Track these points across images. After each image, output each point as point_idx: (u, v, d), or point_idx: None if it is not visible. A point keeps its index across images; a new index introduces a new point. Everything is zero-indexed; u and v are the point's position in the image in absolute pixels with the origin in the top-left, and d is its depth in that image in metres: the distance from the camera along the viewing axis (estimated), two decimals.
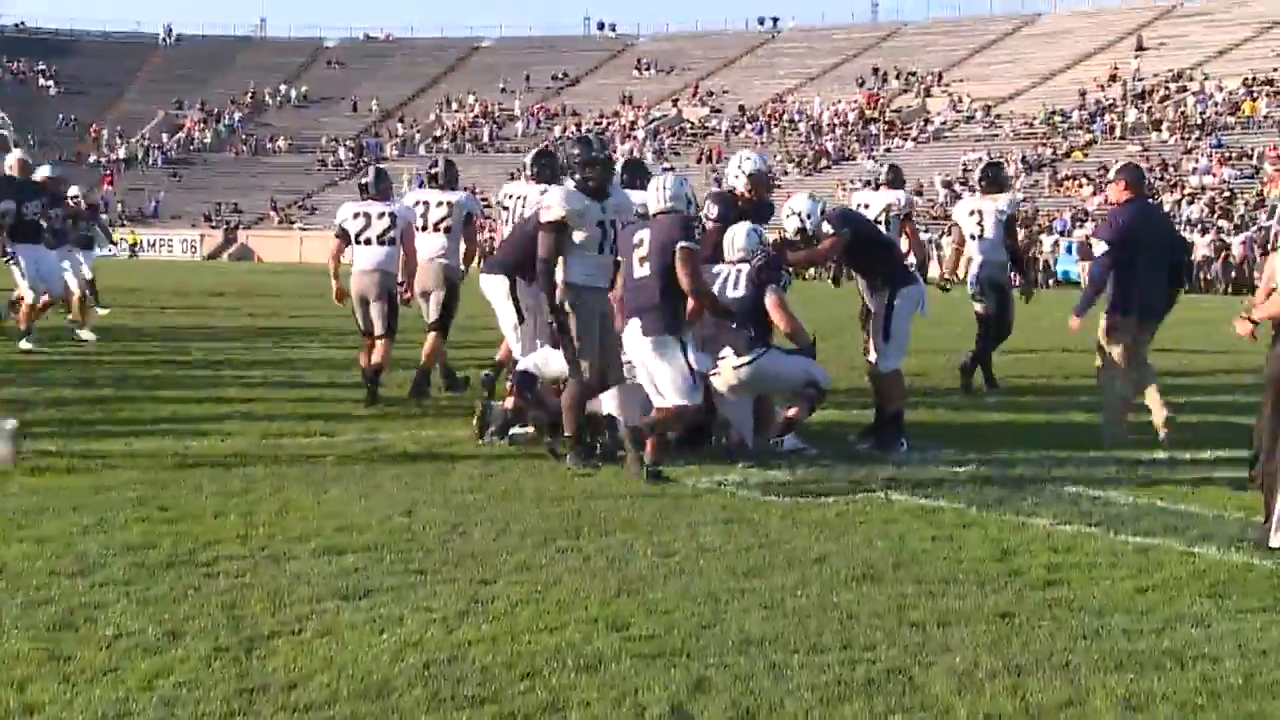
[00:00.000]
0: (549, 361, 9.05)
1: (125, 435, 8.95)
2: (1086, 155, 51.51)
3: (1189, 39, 61.86)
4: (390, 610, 5.10)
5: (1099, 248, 9.52)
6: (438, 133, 73.52)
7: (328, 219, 58.95)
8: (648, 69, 77.82)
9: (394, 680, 4.36)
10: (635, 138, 65.90)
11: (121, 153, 74.94)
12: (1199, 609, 5.30)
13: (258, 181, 71.25)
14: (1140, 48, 61.98)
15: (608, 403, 8.58)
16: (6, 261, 14.59)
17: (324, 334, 17.57)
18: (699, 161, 60.11)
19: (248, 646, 4.65)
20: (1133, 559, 6.06)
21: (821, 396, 8.80)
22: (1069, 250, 40.18)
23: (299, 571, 5.62)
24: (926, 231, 35.61)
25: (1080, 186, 48.18)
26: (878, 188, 13.19)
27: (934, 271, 17.10)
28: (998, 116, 60.04)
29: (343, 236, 10.85)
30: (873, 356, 9.24)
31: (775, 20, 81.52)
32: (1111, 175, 9.95)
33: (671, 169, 44.72)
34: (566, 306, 8.11)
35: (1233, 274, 37.25)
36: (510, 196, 10.96)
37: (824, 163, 59.51)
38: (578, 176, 8.28)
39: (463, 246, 11.31)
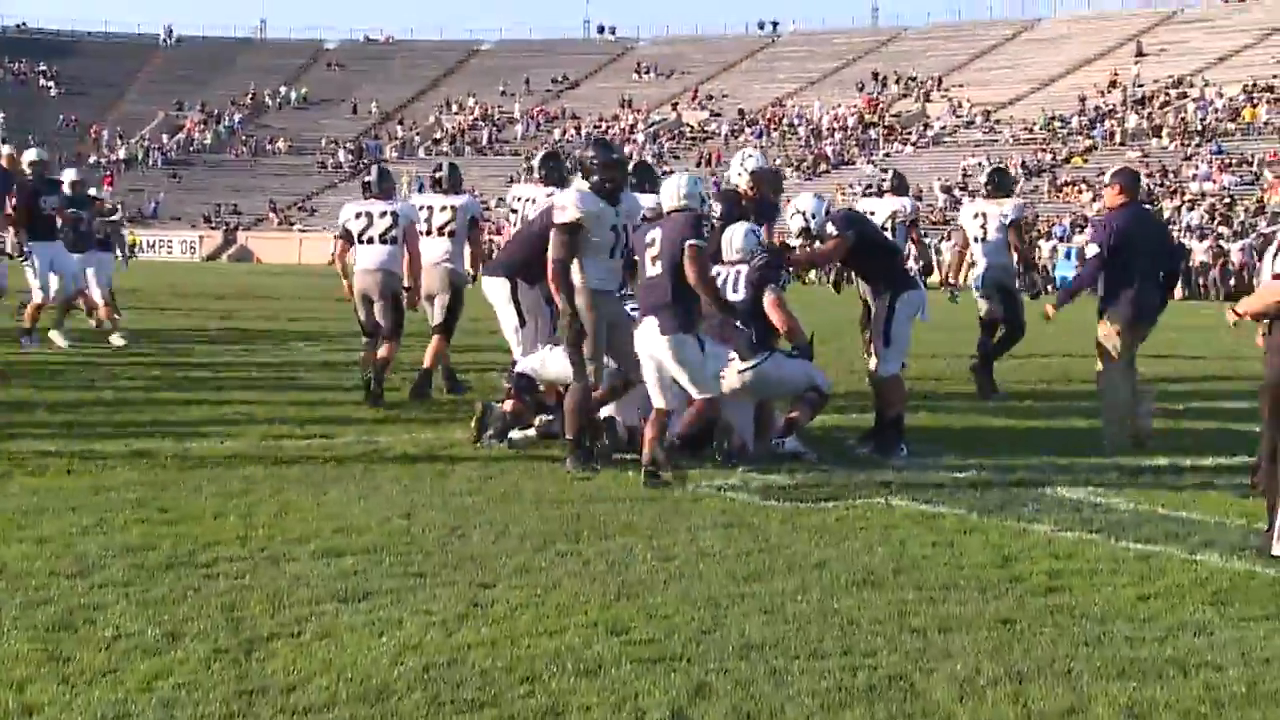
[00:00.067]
0: (546, 364, 9.05)
1: (125, 436, 8.93)
2: (1086, 161, 51.55)
3: (1189, 45, 61.94)
4: (389, 613, 5.08)
5: (1091, 249, 9.55)
6: (437, 135, 73.55)
7: (327, 221, 59.00)
8: (647, 72, 77.86)
9: (393, 683, 4.35)
10: (635, 141, 65.90)
11: (121, 153, 74.95)
12: (1201, 617, 5.28)
13: (257, 183, 71.29)
14: (1140, 54, 62.05)
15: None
16: (23, 260, 14.46)
17: (323, 336, 17.56)
18: (698, 165, 60.09)
19: (247, 648, 4.64)
20: (1134, 566, 6.05)
21: (824, 400, 8.86)
22: (1068, 256, 40.15)
23: (298, 573, 5.61)
24: (926, 237, 35.59)
25: (1080, 192, 48.20)
26: (881, 194, 13.19)
27: (935, 277, 17.09)
28: (997, 122, 60.10)
29: (346, 237, 10.84)
30: (873, 361, 9.23)
31: (775, 24, 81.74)
32: (1106, 180, 9.98)
33: (671, 173, 44.55)
34: (567, 310, 8.08)
35: (1231, 281, 37.25)
36: (518, 199, 10.97)
37: (823, 167, 59.56)
38: (595, 178, 8.23)
39: (467, 250, 11.31)
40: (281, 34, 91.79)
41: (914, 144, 60.42)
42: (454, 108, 77.33)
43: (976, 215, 12.72)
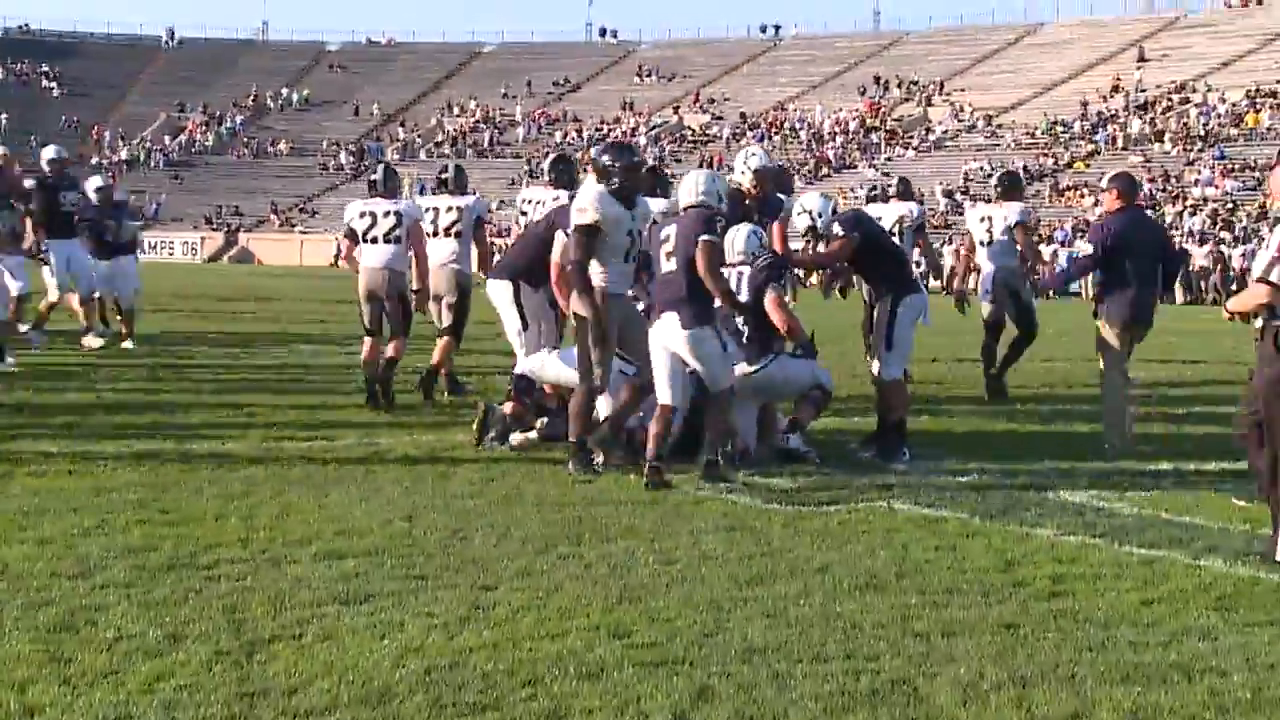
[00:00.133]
0: (545, 366, 9.06)
1: (126, 438, 8.93)
2: (1088, 166, 51.52)
3: (1192, 50, 61.94)
4: (391, 615, 5.08)
5: (1085, 248, 9.60)
6: (439, 137, 73.55)
7: (328, 222, 58.99)
8: (649, 75, 77.86)
9: (395, 686, 4.34)
10: (636, 144, 65.90)
11: (123, 154, 74.93)
12: (1205, 622, 5.27)
13: (259, 184, 71.27)
14: (1142, 59, 62.05)
15: (601, 404, 8.55)
16: (40, 258, 14.39)
17: (324, 338, 17.55)
18: (699, 168, 59.99)
19: (248, 650, 4.63)
20: (1138, 571, 6.03)
21: (827, 399, 8.96)
22: (1069, 260, 40.15)
23: (300, 575, 5.60)
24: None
25: (1082, 197, 48.19)
26: (887, 199, 13.21)
27: (937, 282, 17.10)
28: (999, 126, 60.09)
29: (351, 236, 10.84)
30: (875, 365, 9.23)
31: (777, 28, 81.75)
32: (1104, 184, 10.01)
33: (671, 176, 44.56)
34: (587, 311, 8.07)
35: (1233, 285, 37.22)
36: (528, 202, 10.97)
37: (825, 171, 59.55)
38: (616, 181, 8.21)
39: (475, 251, 11.29)
40: (283, 36, 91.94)
41: (915, 148, 60.41)
42: (455, 110, 77.33)
43: (982, 219, 12.75)
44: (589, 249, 8.08)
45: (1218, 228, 41.72)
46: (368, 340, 10.75)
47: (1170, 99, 56.41)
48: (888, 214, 12.77)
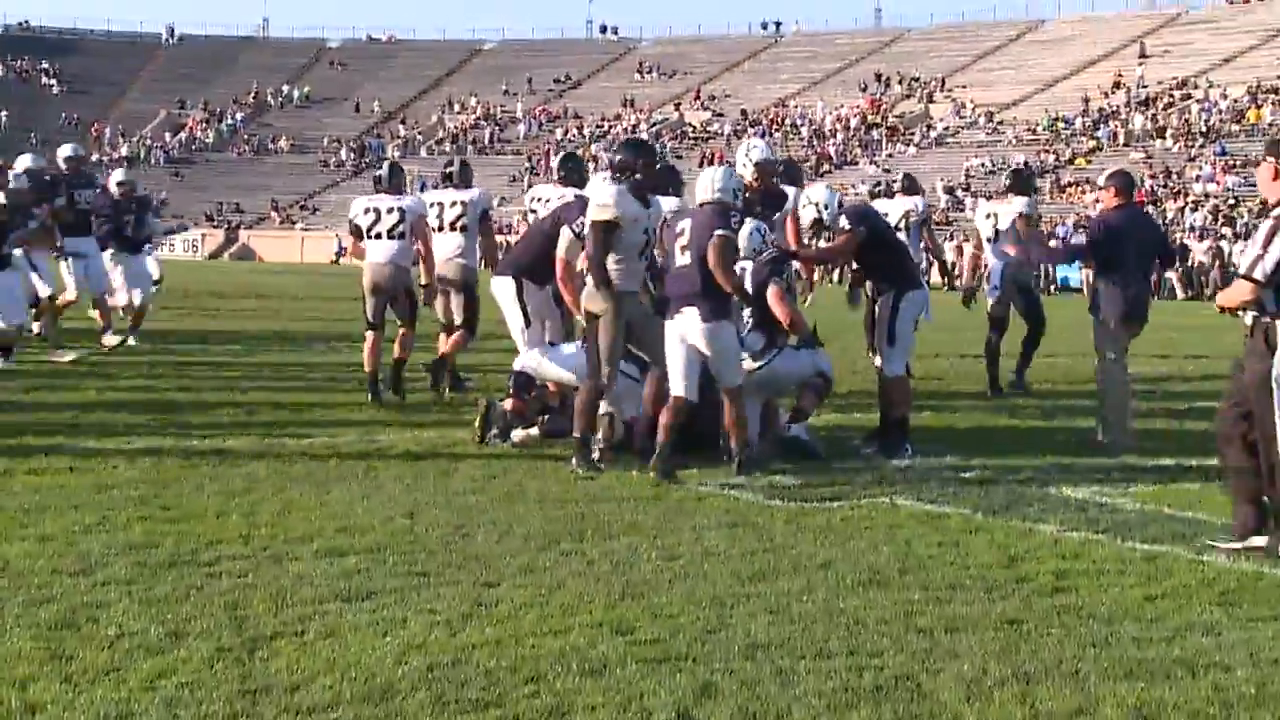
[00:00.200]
0: (544, 364, 9.05)
1: (127, 434, 8.92)
2: (1090, 162, 51.48)
3: (1193, 46, 61.90)
4: (393, 612, 5.06)
5: (1080, 239, 9.65)
6: (439, 134, 73.54)
7: (329, 219, 58.87)
8: (650, 72, 77.83)
9: (397, 683, 4.33)
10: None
11: (123, 152, 74.89)
12: (1209, 617, 5.26)
13: (259, 181, 71.29)
14: (1144, 55, 62.00)
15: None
16: (58, 258, 14.33)
17: (325, 334, 17.54)
18: (700, 165, 59.90)
19: (250, 647, 4.62)
20: (1141, 566, 6.02)
21: (829, 386, 9.00)
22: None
23: (301, 572, 5.59)
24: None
25: (1083, 193, 48.14)
26: (892, 195, 13.20)
27: (937, 278, 17.09)
28: (1001, 123, 60.04)
29: (355, 232, 10.83)
30: (878, 360, 9.22)
31: (778, 25, 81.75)
32: (1102, 182, 10.03)
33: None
34: (604, 307, 8.06)
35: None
36: (537, 199, 10.97)
37: (826, 167, 59.50)
38: (638, 177, 8.19)
39: (481, 245, 11.29)
40: (284, 33, 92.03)
41: (917, 145, 60.38)
42: (456, 107, 77.32)
43: (989, 215, 12.79)
44: (607, 245, 8.08)
45: (1219, 224, 41.69)
46: (370, 335, 10.74)
47: (1172, 95, 56.37)
48: (894, 209, 12.77)
